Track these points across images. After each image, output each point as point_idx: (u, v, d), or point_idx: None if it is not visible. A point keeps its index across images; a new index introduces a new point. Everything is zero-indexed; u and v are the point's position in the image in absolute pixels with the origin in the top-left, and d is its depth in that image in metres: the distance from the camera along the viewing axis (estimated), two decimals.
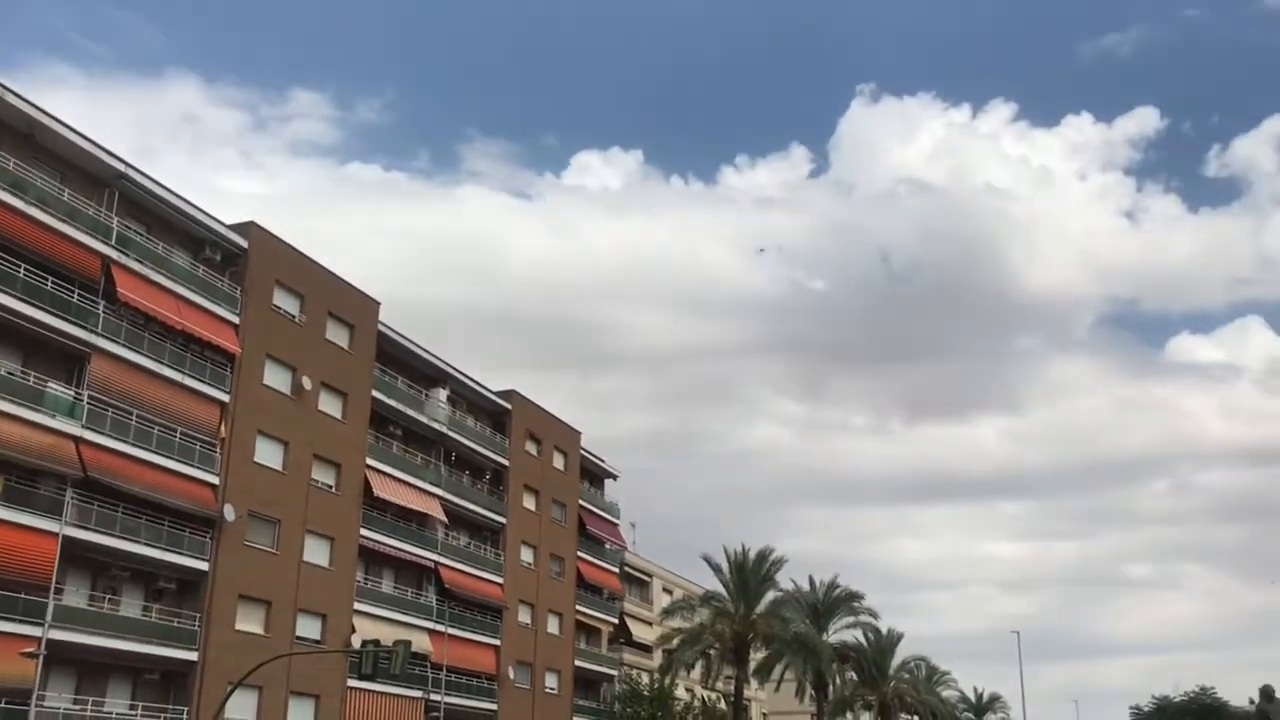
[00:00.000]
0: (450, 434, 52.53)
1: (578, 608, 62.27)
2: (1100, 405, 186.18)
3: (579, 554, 62.98)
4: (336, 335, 45.38)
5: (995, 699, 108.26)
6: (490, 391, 57.15)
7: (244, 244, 41.01)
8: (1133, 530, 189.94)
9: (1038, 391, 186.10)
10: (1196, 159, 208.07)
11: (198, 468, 37.90)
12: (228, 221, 40.95)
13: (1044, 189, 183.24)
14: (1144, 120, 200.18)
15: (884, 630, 76.15)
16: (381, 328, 48.32)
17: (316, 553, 42.89)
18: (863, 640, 74.28)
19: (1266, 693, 28.46)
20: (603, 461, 69.09)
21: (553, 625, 59.48)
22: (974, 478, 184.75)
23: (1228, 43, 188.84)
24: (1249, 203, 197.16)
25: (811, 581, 66.76)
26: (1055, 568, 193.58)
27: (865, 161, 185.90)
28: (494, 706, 52.89)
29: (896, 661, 79.35)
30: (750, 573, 57.17)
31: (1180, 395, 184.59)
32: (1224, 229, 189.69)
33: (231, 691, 30.69)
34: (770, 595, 58.18)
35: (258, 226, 41.88)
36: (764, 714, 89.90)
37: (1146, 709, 51.87)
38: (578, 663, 61.32)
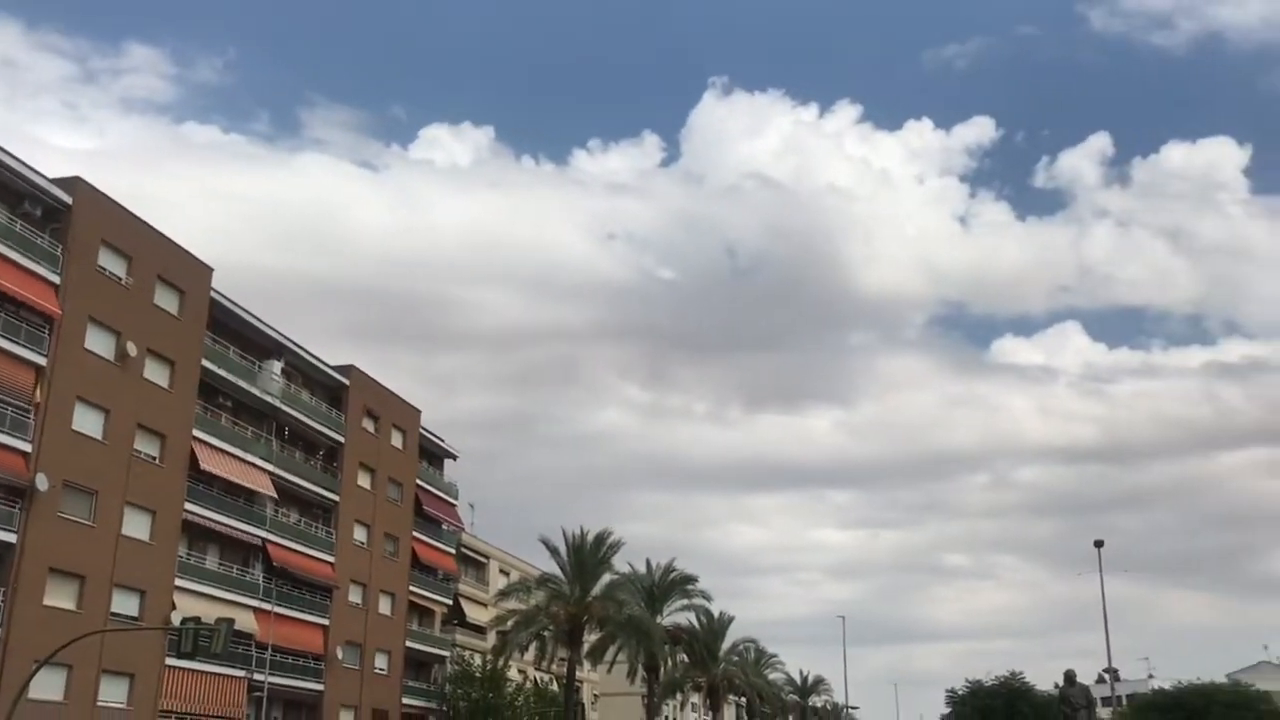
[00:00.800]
0: (284, 408, 51.03)
1: (411, 588, 61.41)
2: (928, 401, 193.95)
3: (414, 534, 62.09)
4: (166, 301, 43.47)
5: (819, 681, 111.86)
6: (327, 366, 55.74)
7: (68, 200, 38.86)
8: (953, 521, 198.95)
9: (870, 386, 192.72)
10: (1026, 170, 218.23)
11: (8, 434, 35.86)
12: (50, 175, 38.75)
13: (883, 191, 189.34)
14: (980, 129, 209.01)
15: (716, 614, 77.67)
16: (214, 295, 46.53)
17: (136, 526, 41.08)
18: (695, 623, 75.54)
19: (1069, 677, 30.18)
20: (442, 441, 68.25)
21: (384, 606, 58.51)
22: (807, 467, 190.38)
23: (1059, 61, 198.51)
24: (1072, 214, 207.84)
25: (648, 565, 67.51)
26: (880, 556, 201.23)
27: (715, 154, 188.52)
28: (320, 687, 51.76)
29: (727, 644, 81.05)
30: (587, 555, 57.36)
31: (1002, 395, 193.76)
32: (1049, 238, 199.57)
33: (37, 669, 29.20)
34: (607, 578, 58.52)
35: (83, 182, 39.75)
36: (595, 695, 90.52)
37: (960, 692, 54.04)
38: (409, 644, 60.51)
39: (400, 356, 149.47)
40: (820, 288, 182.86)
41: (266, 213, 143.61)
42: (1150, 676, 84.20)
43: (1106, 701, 46.63)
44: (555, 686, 67.93)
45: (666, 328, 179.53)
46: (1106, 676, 54.11)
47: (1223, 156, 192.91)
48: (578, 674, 61.36)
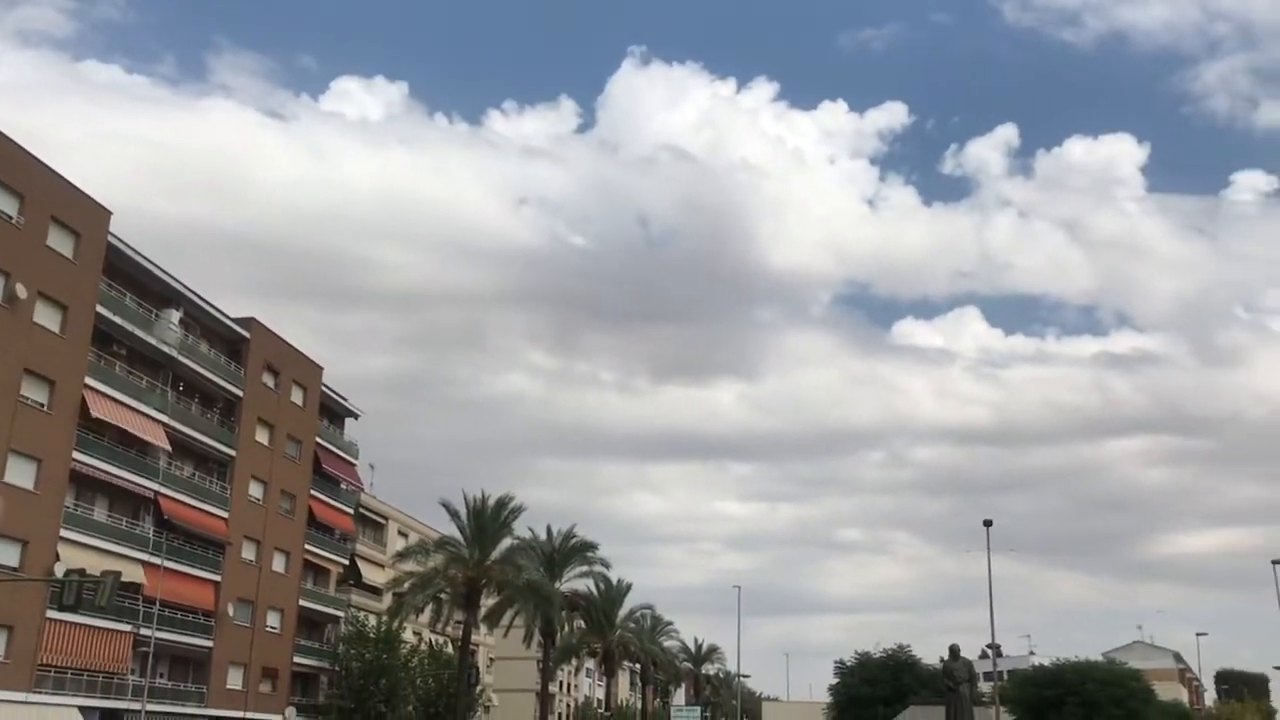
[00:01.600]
0: (181, 358, 49.75)
1: (307, 547, 60.58)
2: (830, 379, 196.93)
3: (312, 492, 61.19)
4: (59, 243, 41.94)
5: (713, 650, 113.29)
6: (228, 318, 54.43)
7: None
8: (849, 497, 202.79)
9: (775, 361, 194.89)
10: (935, 156, 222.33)
11: None
12: None
13: (796, 170, 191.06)
14: (893, 114, 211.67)
15: (615, 581, 78.10)
16: (111, 239, 45.04)
17: (20, 474, 39.71)
18: (594, 590, 75.88)
19: (954, 651, 31.09)
20: (344, 400, 67.26)
21: (279, 563, 57.62)
22: (710, 439, 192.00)
23: (971, 51, 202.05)
24: (976, 202, 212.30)
25: (549, 531, 67.55)
26: (778, 528, 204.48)
27: (631, 123, 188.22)
28: (209, 643, 50.87)
29: (624, 611, 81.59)
30: (488, 520, 57.12)
31: (901, 375, 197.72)
32: (952, 224, 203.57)
33: None
34: (507, 543, 58.38)
35: None
36: (491, 659, 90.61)
37: (849, 664, 55.22)
38: (303, 602, 59.74)
39: (304, 312, 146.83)
40: (730, 262, 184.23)
41: (168, 158, 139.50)
42: (1031, 653, 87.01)
43: (989, 676, 48.11)
44: (450, 649, 67.82)
45: (576, 295, 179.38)
46: (989, 651, 55.77)
47: (1122, 153, 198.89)
48: (474, 637, 61.25)
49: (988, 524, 43.17)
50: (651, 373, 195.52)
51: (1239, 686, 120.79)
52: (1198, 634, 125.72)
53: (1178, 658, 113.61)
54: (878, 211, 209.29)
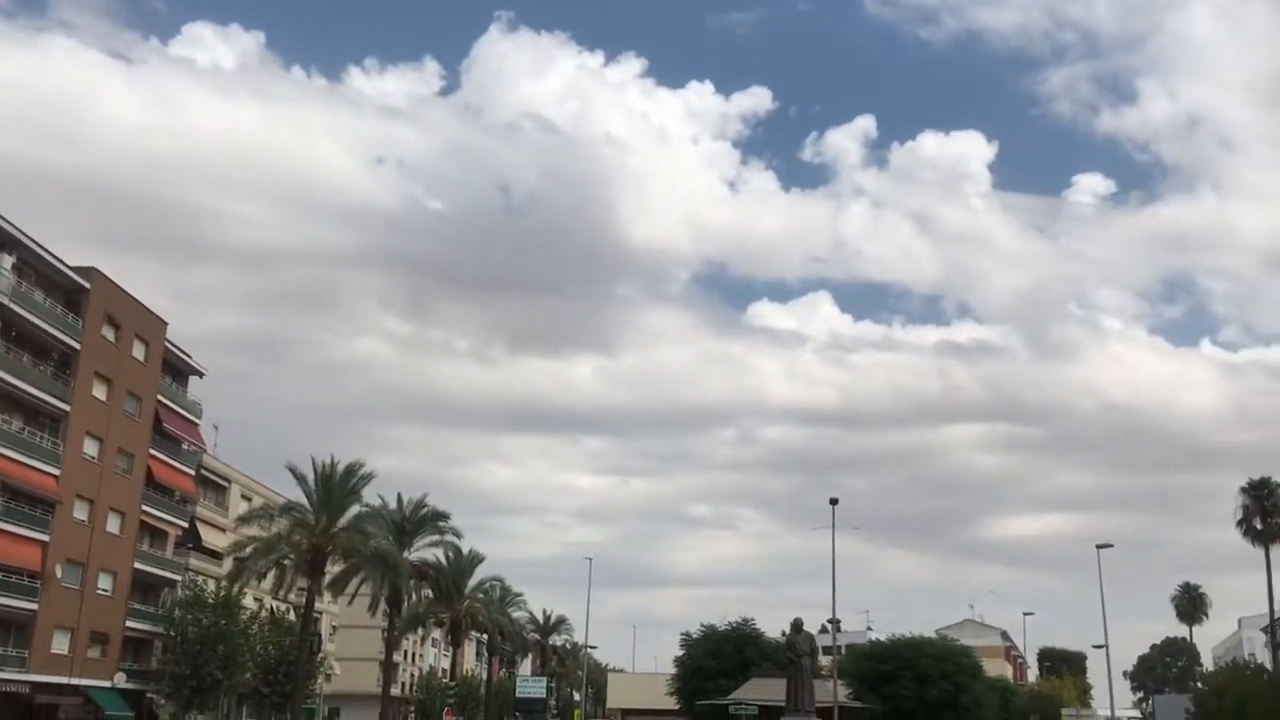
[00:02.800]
0: (12, 306, 47.11)
1: (144, 508, 58.28)
2: (685, 356, 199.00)
3: (151, 452, 58.83)
4: None
5: (561, 620, 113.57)
6: (66, 266, 51.73)
7: None
8: (700, 474, 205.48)
9: (632, 337, 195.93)
10: (795, 142, 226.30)
11: None
12: None
13: (659, 147, 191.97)
14: (757, 99, 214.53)
15: (465, 551, 77.55)
16: None
17: None
18: (444, 559, 75.21)
19: (796, 625, 31.85)
20: (189, 357, 64.79)
21: (113, 524, 55.27)
22: (565, 412, 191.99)
23: (834, 39, 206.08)
24: (833, 190, 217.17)
25: (399, 499, 66.60)
26: (629, 502, 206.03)
27: (495, 89, 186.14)
28: (34, 606, 48.53)
29: (474, 581, 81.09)
30: (336, 485, 55.93)
31: (753, 356, 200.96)
32: (808, 210, 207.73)
33: None
34: (355, 509, 57.29)
35: None
36: (334, 627, 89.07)
37: (694, 635, 56.02)
38: (137, 565, 57.51)
39: (148, 265, 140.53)
40: (590, 236, 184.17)
41: (2, 95, 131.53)
42: (869, 629, 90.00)
43: (828, 650, 49.44)
44: (293, 616, 66.32)
45: (432, 260, 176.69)
46: (829, 626, 57.33)
47: (971, 150, 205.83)
48: (317, 604, 60.02)
49: (834, 502, 44.11)
50: (507, 343, 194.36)
51: (1060, 664, 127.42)
52: (1024, 614, 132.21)
53: (1005, 636, 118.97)
54: (738, 194, 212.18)
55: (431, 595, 77.51)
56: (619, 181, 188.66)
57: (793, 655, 30.61)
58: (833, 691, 41.26)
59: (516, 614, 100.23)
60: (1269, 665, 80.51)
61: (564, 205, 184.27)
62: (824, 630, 58.72)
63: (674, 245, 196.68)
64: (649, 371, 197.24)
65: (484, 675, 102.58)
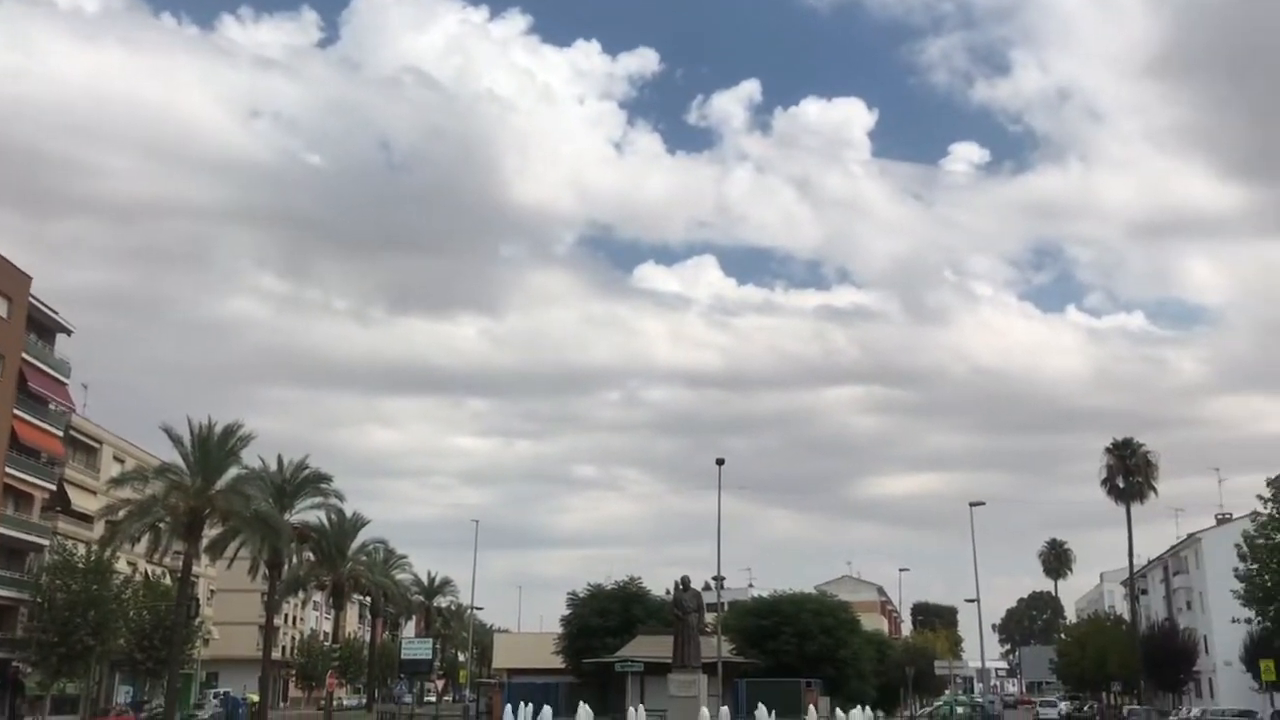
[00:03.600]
0: None
1: (8, 470, 55.93)
2: (571, 318, 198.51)
3: (16, 412, 56.41)
4: None
5: (446, 582, 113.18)
6: None
7: None
8: (585, 435, 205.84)
9: (516, 298, 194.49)
10: (682, 105, 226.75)
11: None
12: None
13: (544, 106, 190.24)
14: (644, 60, 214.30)
15: (349, 513, 76.54)
16: None
17: None
18: (326, 522, 74.12)
19: (683, 582, 32.27)
20: (55, 314, 62.19)
21: None
22: (448, 373, 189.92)
23: (721, 2, 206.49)
24: (718, 154, 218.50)
25: (280, 461, 65.18)
26: (514, 464, 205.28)
27: (375, 42, 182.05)
28: None
29: (357, 544, 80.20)
30: (214, 447, 54.43)
31: (639, 318, 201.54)
32: (694, 174, 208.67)
33: None
34: (234, 471, 55.85)
35: None
36: (212, 590, 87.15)
37: (582, 595, 56.30)
38: (1, 529, 55.25)
39: (7, 217, 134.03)
40: (474, 195, 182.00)
41: None
42: (751, 585, 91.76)
43: (712, 607, 50.23)
44: (169, 580, 64.62)
45: (309, 217, 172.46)
46: (713, 584, 58.25)
47: (852, 117, 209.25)
48: (194, 568, 58.56)
49: (719, 463, 44.61)
50: (389, 303, 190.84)
51: (932, 618, 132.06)
52: (900, 570, 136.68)
53: (881, 591, 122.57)
54: (624, 155, 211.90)
55: (313, 558, 76.38)
56: (503, 140, 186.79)
57: (680, 612, 31.01)
58: (717, 647, 41.96)
59: (400, 576, 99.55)
60: (1127, 616, 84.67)
61: (446, 163, 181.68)
62: (708, 588, 59.56)
63: (559, 206, 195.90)
64: (534, 333, 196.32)
65: (367, 638, 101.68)
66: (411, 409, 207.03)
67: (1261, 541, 46.26)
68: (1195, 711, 64.54)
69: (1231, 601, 52.17)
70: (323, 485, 66.37)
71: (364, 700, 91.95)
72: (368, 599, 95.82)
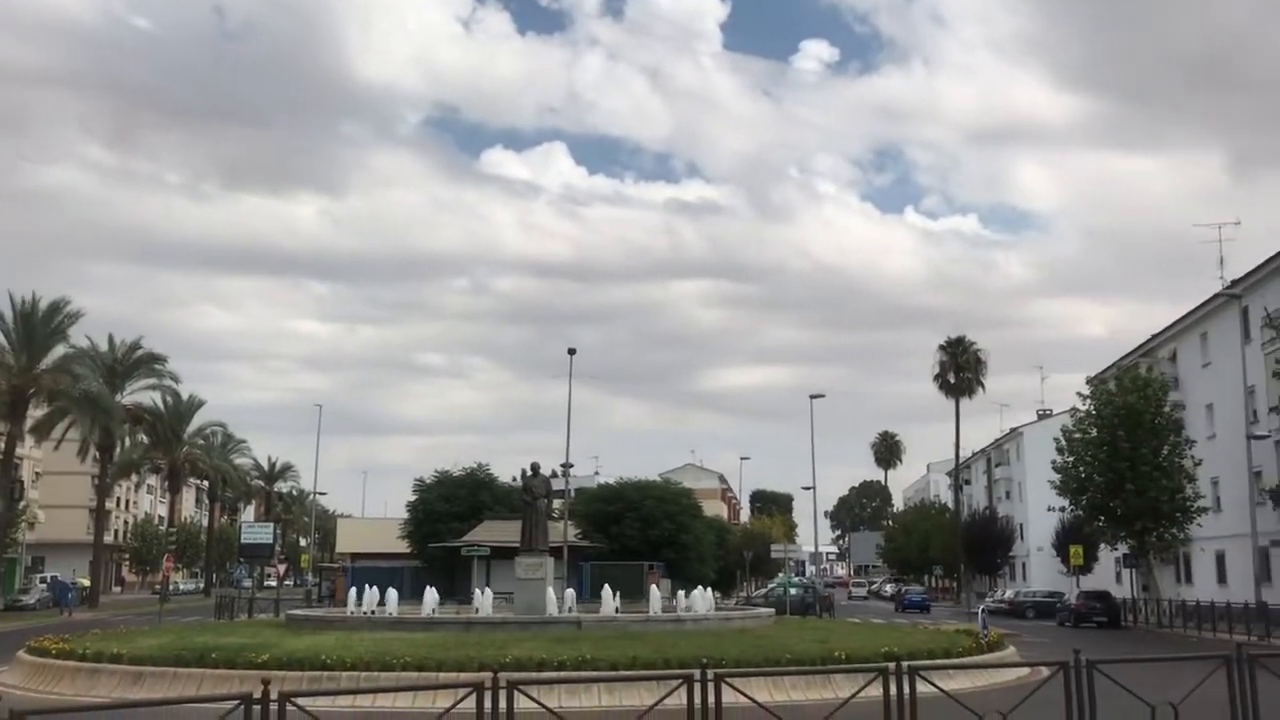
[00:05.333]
0: None
1: None
2: (415, 201, 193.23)
3: None
4: None
5: (287, 467, 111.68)
6: None
7: None
8: (431, 322, 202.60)
9: (359, 179, 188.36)
10: None
11: None
12: None
13: None
14: None
15: (185, 396, 74.26)
16: None
17: None
18: (161, 404, 71.82)
19: (534, 468, 32.45)
20: None
21: None
22: (287, 254, 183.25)
23: None
24: (569, 37, 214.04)
25: (111, 341, 62.49)
26: (357, 349, 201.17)
27: None
28: None
29: (193, 427, 78.21)
30: (38, 324, 51.82)
31: (486, 204, 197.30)
32: (544, 57, 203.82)
33: None
34: (61, 350, 53.44)
35: None
36: (37, 473, 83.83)
37: (429, 481, 56.19)
38: None
39: None
40: (313, 68, 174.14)
41: None
42: (597, 473, 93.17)
43: (560, 494, 50.86)
44: None
45: (138, 84, 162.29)
46: (561, 471, 58.90)
47: (704, 8, 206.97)
48: (18, 450, 56.07)
49: (571, 352, 44.64)
50: (223, 178, 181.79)
51: (770, 504, 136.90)
52: (741, 458, 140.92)
53: (722, 479, 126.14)
54: (472, 34, 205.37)
55: (147, 441, 74.15)
56: (344, 12, 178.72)
57: (529, 497, 31.22)
58: (563, 532, 42.63)
59: (240, 460, 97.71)
60: (951, 505, 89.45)
61: (284, 34, 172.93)
62: (556, 475, 60.25)
63: (404, 84, 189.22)
64: (377, 215, 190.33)
65: (205, 523, 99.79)
66: (249, 290, 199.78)
67: (1078, 436, 49.09)
68: (1010, 593, 69.05)
69: (1047, 491, 55.46)
70: (157, 366, 64.22)
71: (201, 584, 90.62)
72: (205, 483, 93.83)
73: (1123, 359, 63.11)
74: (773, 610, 37.87)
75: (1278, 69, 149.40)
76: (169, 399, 72.66)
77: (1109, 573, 62.59)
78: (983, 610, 36.65)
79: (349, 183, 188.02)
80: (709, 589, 37.27)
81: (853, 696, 9.44)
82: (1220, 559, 50.85)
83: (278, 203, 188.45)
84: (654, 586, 37.32)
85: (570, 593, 33.73)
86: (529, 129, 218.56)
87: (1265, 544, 43.53)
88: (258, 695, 7.59)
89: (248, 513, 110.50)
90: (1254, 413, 45.64)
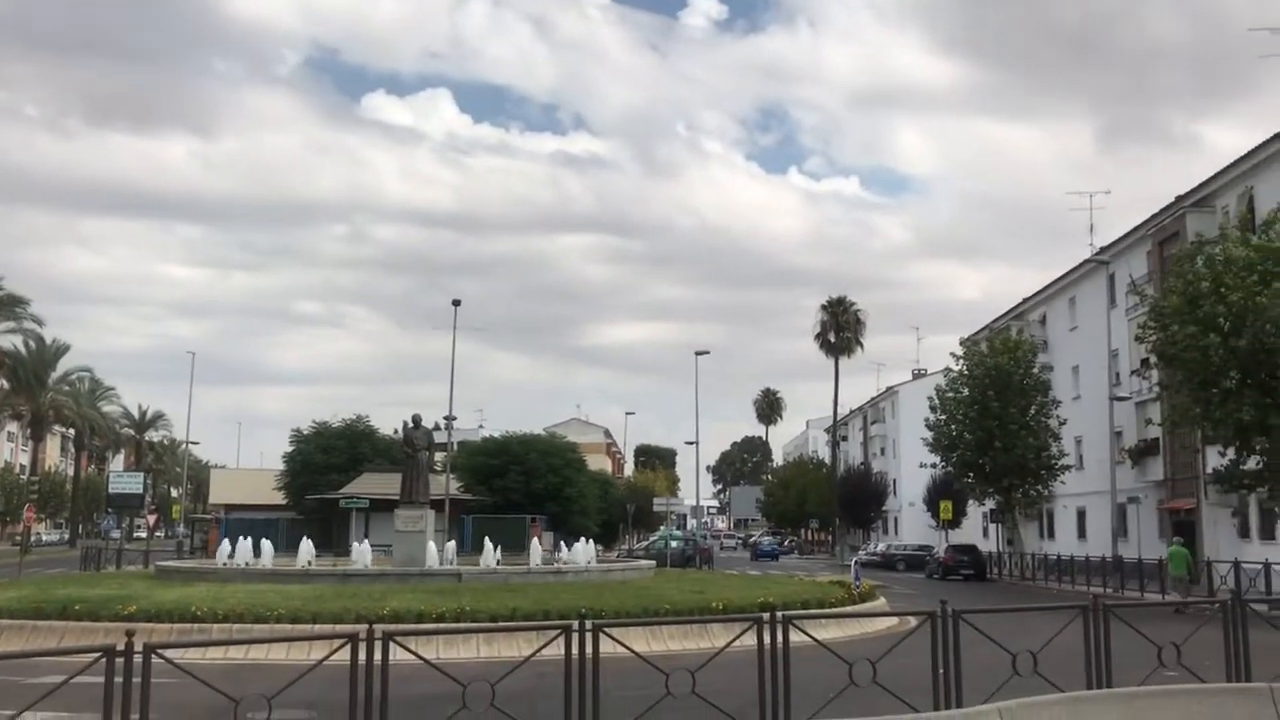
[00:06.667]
0: None
1: None
2: (293, 145, 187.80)
3: None
4: None
5: (159, 416, 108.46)
6: None
7: None
8: (308, 270, 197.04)
9: (233, 119, 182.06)
10: None
11: None
12: None
13: None
14: None
15: (49, 340, 71.38)
16: None
17: None
18: (22, 348, 68.90)
19: (415, 420, 32.07)
20: None
21: None
22: (156, 196, 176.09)
23: None
24: None
25: None
26: (230, 296, 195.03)
27: None
28: None
29: (58, 373, 75.32)
30: None
31: (367, 150, 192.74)
32: (427, 0, 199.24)
33: None
34: None
35: None
36: None
37: (307, 432, 55.19)
38: None
39: None
40: (185, 3, 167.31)
41: None
42: (481, 426, 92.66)
43: (442, 447, 50.49)
44: None
45: None
46: (443, 424, 58.46)
47: None
48: None
49: (456, 304, 44.06)
50: (87, 113, 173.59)
51: (653, 459, 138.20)
52: (626, 413, 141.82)
53: (607, 433, 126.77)
54: None
55: (8, 386, 71.20)
56: None
57: (410, 450, 30.90)
58: (445, 484, 42.36)
59: (109, 408, 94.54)
60: (828, 460, 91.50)
61: None
62: (439, 428, 59.76)
63: (281, 22, 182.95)
64: (251, 158, 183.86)
65: (71, 472, 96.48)
66: (115, 232, 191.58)
67: (950, 395, 50.54)
68: (882, 546, 71.13)
69: (920, 449, 57.09)
70: (18, 309, 61.46)
71: (67, 536, 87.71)
72: (71, 431, 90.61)
73: (995, 321, 65.07)
74: (653, 563, 38.32)
75: (1148, 46, 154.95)
76: (31, 343, 69.78)
77: (976, 527, 64.92)
78: (855, 562, 37.64)
79: (222, 123, 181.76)
80: (591, 542, 37.57)
81: (727, 645, 9.57)
82: (1081, 515, 53.12)
83: (146, 142, 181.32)
84: (536, 539, 37.47)
85: (451, 545, 33.62)
86: (411, 74, 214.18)
87: (1123, 501, 45.58)
88: (121, 647, 7.34)
89: (117, 462, 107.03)
90: (1117, 375, 47.54)
